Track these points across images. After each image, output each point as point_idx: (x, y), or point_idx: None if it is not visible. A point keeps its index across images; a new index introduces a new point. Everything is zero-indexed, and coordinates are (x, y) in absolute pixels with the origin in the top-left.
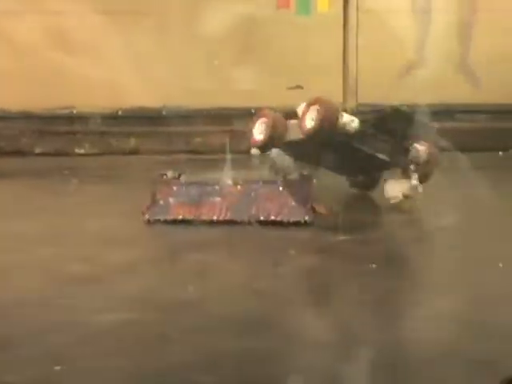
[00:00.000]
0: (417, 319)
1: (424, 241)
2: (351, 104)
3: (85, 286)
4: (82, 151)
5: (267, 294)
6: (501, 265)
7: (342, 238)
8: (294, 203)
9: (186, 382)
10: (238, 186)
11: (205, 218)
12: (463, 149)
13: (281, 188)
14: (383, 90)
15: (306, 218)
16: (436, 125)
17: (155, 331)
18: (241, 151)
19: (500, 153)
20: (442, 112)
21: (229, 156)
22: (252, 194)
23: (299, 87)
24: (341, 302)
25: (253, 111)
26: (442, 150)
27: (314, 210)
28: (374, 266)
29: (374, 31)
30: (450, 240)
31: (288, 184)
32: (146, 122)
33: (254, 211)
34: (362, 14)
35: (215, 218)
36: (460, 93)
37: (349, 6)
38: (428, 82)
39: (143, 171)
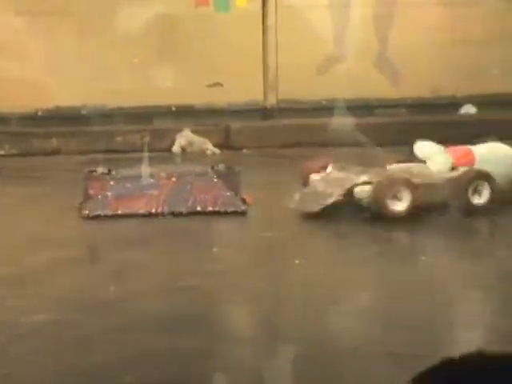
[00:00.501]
0: (337, 314)
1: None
2: (272, 101)
3: (9, 288)
4: (1, 152)
5: (193, 292)
6: (423, 258)
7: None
8: (228, 194)
9: (110, 381)
10: (173, 179)
11: (142, 211)
12: (383, 143)
13: (215, 179)
14: (303, 85)
15: (243, 207)
16: (356, 120)
17: (78, 332)
18: (161, 149)
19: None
20: (362, 107)
21: (146, 154)
22: (188, 187)
23: (219, 85)
24: (265, 299)
25: (173, 109)
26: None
27: (244, 200)
28: (297, 261)
29: (293, 27)
30: None
31: (219, 175)
32: (67, 122)
33: (190, 203)
34: (280, 9)
35: (153, 210)
36: (379, 87)
37: (268, 2)
38: (347, 78)
39: (66, 171)
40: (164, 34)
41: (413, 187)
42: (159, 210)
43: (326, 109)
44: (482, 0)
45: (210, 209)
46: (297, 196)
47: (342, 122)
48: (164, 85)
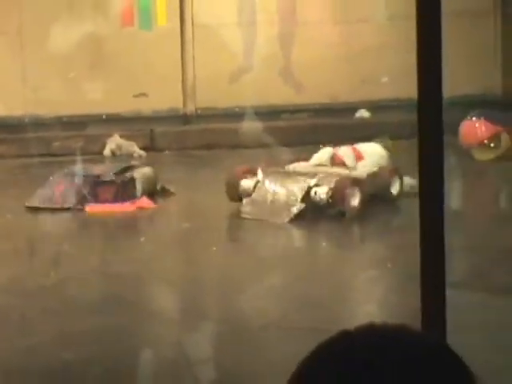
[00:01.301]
0: (251, 293)
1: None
2: (191, 108)
3: None
4: None
5: (118, 277)
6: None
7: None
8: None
9: (49, 358)
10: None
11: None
12: (288, 144)
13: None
14: (218, 94)
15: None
16: (263, 124)
17: (18, 314)
18: (94, 152)
19: (321, 146)
20: (269, 112)
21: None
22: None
23: (144, 95)
24: (185, 281)
25: (103, 117)
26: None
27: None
28: (214, 248)
29: (207, 43)
30: None
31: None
32: (8, 129)
33: None
34: (196, 27)
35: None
36: (284, 95)
37: (185, 21)
38: (255, 87)
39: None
40: (94, 51)
41: (361, 184)
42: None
43: (238, 115)
44: (372, 18)
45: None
46: (247, 204)
47: (252, 126)
48: (95, 96)
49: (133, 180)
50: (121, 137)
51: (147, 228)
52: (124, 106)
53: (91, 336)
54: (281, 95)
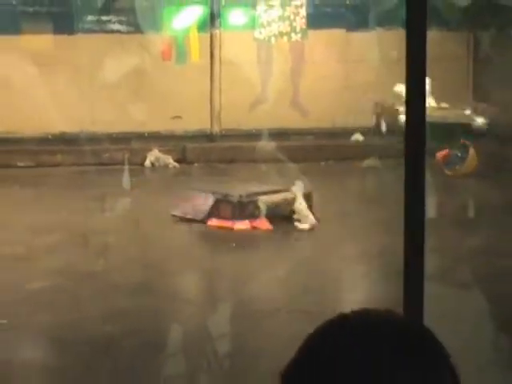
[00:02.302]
0: (257, 283)
1: None
2: (216, 129)
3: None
4: (21, 164)
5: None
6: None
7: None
8: None
9: (94, 331)
10: None
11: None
12: (296, 160)
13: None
14: (239, 119)
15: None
16: (276, 144)
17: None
18: (137, 163)
19: (322, 163)
20: (281, 134)
21: (127, 167)
22: None
23: (179, 117)
24: (203, 273)
25: (146, 134)
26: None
27: None
28: (233, 244)
29: (231, 76)
30: None
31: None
32: (67, 143)
33: None
34: (223, 64)
35: None
36: (293, 120)
37: (214, 58)
38: (270, 113)
39: (66, 177)
40: (140, 80)
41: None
42: None
43: (255, 135)
44: (367, 59)
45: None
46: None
47: (266, 145)
48: (139, 117)
49: (255, 201)
50: (159, 151)
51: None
52: (162, 125)
53: (128, 314)
54: (290, 120)
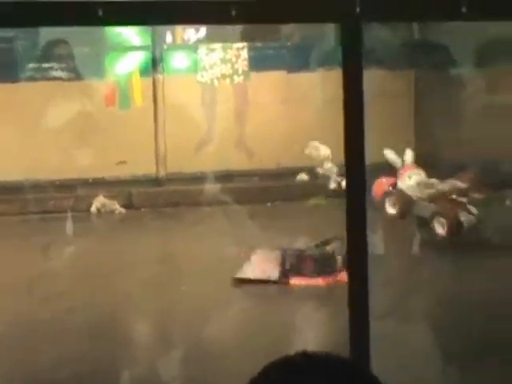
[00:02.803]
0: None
1: None
2: (162, 173)
3: None
4: None
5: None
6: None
7: None
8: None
9: (43, 378)
10: None
11: None
12: (242, 202)
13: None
14: (185, 161)
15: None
16: (222, 186)
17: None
18: (83, 210)
19: (268, 204)
20: (226, 176)
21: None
22: None
23: (124, 162)
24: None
25: (90, 180)
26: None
27: None
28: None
29: (176, 119)
30: None
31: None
32: (10, 191)
33: None
34: (167, 107)
35: None
36: (238, 162)
37: (158, 101)
38: (215, 155)
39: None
40: (84, 126)
41: None
42: None
43: (201, 178)
44: (308, 100)
45: None
46: None
47: (212, 188)
48: (83, 163)
49: (332, 254)
50: (105, 197)
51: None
52: (107, 171)
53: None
54: (236, 162)
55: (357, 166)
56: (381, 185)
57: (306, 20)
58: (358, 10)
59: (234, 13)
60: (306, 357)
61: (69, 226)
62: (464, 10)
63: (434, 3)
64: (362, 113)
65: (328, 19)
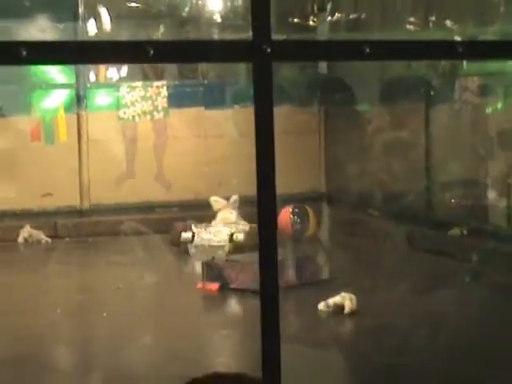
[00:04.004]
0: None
1: None
2: (86, 205)
3: None
4: None
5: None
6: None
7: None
8: None
9: None
10: None
11: None
12: (162, 232)
13: None
14: (107, 194)
15: None
16: (141, 216)
17: None
18: (10, 240)
19: None
20: (146, 207)
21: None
22: None
23: (49, 194)
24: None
25: (17, 212)
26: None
27: None
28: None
29: (99, 154)
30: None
31: None
32: None
33: None
34: (90, 142)
35: None
36: (157, 193)
37: (81, 137)
38: (136, 187)
39: None
40: (10, 161)
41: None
42: None
43: (122, 209)
44: (225, 134)
45: None
46: (192, 249)
47: (132, 219)
48: (9, 195)
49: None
50: (31, 227)
51: None
52: (33, 203)
53: None
54: (155, 193)
55: (268, 196)
56: (285, 214)
57: (220, 60)
58: (268, 50)
59: (151, 52)
60: (216, 378)
61: None
62: (368, 50)
63: (338, 45)
64: (273, 147)
65: (240, 59)
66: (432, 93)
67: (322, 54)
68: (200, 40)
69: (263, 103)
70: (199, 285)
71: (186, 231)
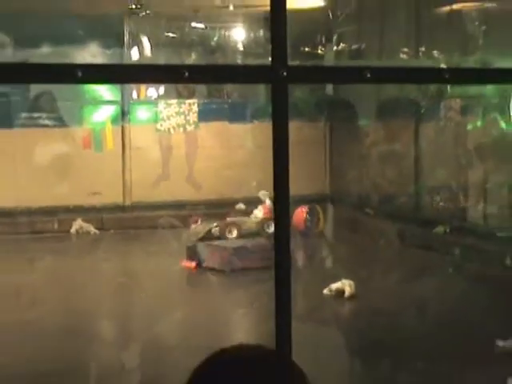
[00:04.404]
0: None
1: None
2: (128, 202)
3: None
4: None
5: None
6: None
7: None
8: None
9: (23, 370)
10: None
11: None
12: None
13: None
14: (146, 193)
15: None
16: (174, 213)
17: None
18: (64, 231)
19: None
20: (178, 205)
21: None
22: None
23: (97, 193)
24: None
25: (71, 207)
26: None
27: None
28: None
29: (140, 159)
30: None
31: None
32: (3, 215)
33: None
34: (132, 149)
35: None
36: (188, 193)
37: (125, 145)
38: (170, 188)
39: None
40: (66, 164)
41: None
42: None
43: (159, 206)
44: (244, 145)
45: None
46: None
47: (167, 214)
48: (65, 193)
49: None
50: (82, 221)
51: None
52: (84, 200)
53: None
54: (186, 193)
55: (283, 196)
56: (299, 212)
57: (243, 81)
58: (285, 74)
59: (186, 74)
60: (242, 349)
61: (53, 244)
62: (368, 75)
63: (343, 70)
64: (288, 155)
65: (261, 81)
66: (421, 111)
67: (330, 78)
68: (227, 64)
69: (280, 119)
70: (182, 263)
71: (196, 223)
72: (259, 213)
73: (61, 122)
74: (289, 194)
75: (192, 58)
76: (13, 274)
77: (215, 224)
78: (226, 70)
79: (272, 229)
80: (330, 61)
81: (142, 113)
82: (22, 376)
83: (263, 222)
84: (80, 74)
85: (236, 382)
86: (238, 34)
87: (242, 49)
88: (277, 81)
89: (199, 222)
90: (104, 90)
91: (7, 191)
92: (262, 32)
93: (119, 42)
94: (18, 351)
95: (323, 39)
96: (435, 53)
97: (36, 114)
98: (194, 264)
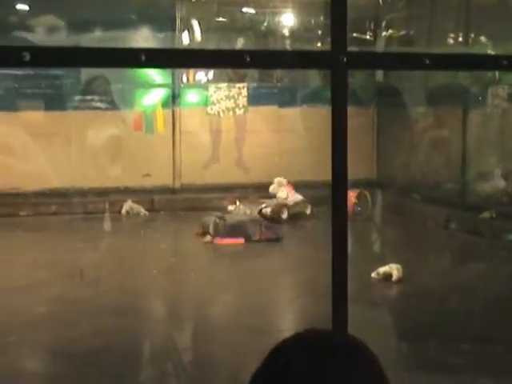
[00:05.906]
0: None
1: None
2: (178, 184)
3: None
4: (23, 213)
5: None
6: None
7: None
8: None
9: (83, 345)
10: None
11: None
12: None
13: None
14: (195, 176)
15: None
16: (223, 195)
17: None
18: (115, 211)
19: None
20: (227, 188)
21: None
22: None
23: (148, 175)
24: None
25: (122, 188)
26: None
27: None
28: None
29: (189, 142)
30: None
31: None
32: (59, 196)
33: None
34: (182, 133)
35: None
36: (237, 176)
37: (176, 129)
38: (219, 171)
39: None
40: (117, 146)
41: (289, 207)
42: None
43: (207, 189)
44: (293, 128)
45: None
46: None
47: (216, 197)
48: (116, 175)
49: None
50: (132, 202)
51: None
52: (135, 181)
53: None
54: (235, 176)
55: (341, 181)
56: (348, 197)
57: (303, 67)
58: (345, 59)
59: (247, 59)
60: (304, 338)
61: (105, 225)
62: (427, 62)
63: (402, 56)
64: (346, 140)
65: (320, 67)
66: (469, 98)
67: (389, 64)
68: (288, 50)
69: (339, 105)
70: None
71: (234, 204)
72: (282, 194)
73: (113, 105)
74: (347, 179)
75: (241, 43)
76: (69, 254)
77: (264, 205)
78: (287, 56)
79: (309, 210)
80: (380, 47)
81: (192, 96)
82: (77, 353)
83: (305, 204)
84: (143, 58)
85: (320, 363)
86: (288, 20)
87: (291, 34)
88: (337, 67)
89: (237, 202)
90: (155, 74)
91: (61, 172)
92: (311, 18)
93: (171, 27)
94: (72, 330)
95: (372, 25)
96: (485, 39)
97: (89, 97)
98: (241, 240)
